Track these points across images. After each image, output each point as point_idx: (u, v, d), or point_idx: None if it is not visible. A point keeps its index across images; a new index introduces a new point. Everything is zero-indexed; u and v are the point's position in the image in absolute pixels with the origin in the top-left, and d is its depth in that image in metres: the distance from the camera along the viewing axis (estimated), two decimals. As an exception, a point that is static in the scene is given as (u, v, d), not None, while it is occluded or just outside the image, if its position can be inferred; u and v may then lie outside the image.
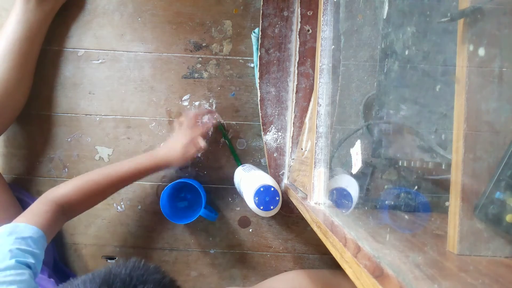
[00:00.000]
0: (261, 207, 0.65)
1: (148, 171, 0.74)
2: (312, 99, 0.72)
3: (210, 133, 0.84)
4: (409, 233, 0.47)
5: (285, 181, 0.81)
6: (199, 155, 0.85)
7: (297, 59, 0.79)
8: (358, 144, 0.61)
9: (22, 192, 0.83)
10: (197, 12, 0.85)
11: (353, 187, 0.59)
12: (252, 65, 0.85)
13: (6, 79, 0.74)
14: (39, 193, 0.84)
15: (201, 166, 0.86)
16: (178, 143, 0.75)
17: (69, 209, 0.68)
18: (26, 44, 0.76)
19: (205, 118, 0.83)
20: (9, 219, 0.69)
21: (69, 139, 0.85)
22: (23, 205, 0.80)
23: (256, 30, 0.82)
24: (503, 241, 0.37)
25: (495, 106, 0.37)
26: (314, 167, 0.57)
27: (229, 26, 0.85)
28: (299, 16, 0.79)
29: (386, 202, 0.59)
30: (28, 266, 0.53)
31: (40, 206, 0.64)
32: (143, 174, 0.74)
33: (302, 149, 0.73)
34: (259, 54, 0.81)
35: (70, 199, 0.67)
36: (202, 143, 0.77)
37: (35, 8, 0.76)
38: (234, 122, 0.86)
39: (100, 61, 0.84)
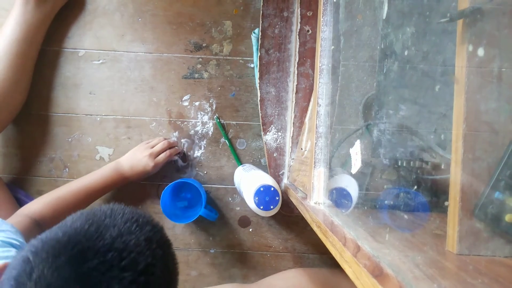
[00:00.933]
0: (261, 207, 0.65)
1: (114, 186, 0.79)
2: (312, 99, 0.72)
3: (177, 157, 0.85)
4: (409, 233, 0.47)
5: (285, 181, 0.81)
6: (199, 154, 0.86)
7: (297, 59, 0.79)
8: (357, 144, 0.61)
9: (19, 191, 0.83)
10: (197, 13, 0.85)
11: (352, 187, 0.59)
12: (252, 65, 0.85)
13: (3, 79, 0.74)
14: (39, 193, 0.84)
15: (201, 166, 0.86)
16: (141, 162, 0.78)
17: (43, 224, 0.71)
18: (24, 45, 0.76)
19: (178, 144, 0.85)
20: (6, 218, 0.69)
21: (69, 139, 0.85)
22: (20, 204, 0.80)
23: (256, 30, 0.82)
24: (502, 241, 0.37)
25: (494, 106, 0.37)
26: (314, 167, 0.57)
27: (229, 26, 0.85)
28: (299, 16, 0.79)
29: (386, 202, 0.59)
30: (13, 246, 0.54)
31: (14, 218, 0.67)
32: (109, 190, 0.80)
33: (302, 149, 0.73)
34: (259, 54, 0.81)
35: (43, 215, 0.71)
36: (160, 162, 0.79)
37: (34, 9, 0.76)
38: (234, 122, 0.86)
39: (100, 61, 0.85)
